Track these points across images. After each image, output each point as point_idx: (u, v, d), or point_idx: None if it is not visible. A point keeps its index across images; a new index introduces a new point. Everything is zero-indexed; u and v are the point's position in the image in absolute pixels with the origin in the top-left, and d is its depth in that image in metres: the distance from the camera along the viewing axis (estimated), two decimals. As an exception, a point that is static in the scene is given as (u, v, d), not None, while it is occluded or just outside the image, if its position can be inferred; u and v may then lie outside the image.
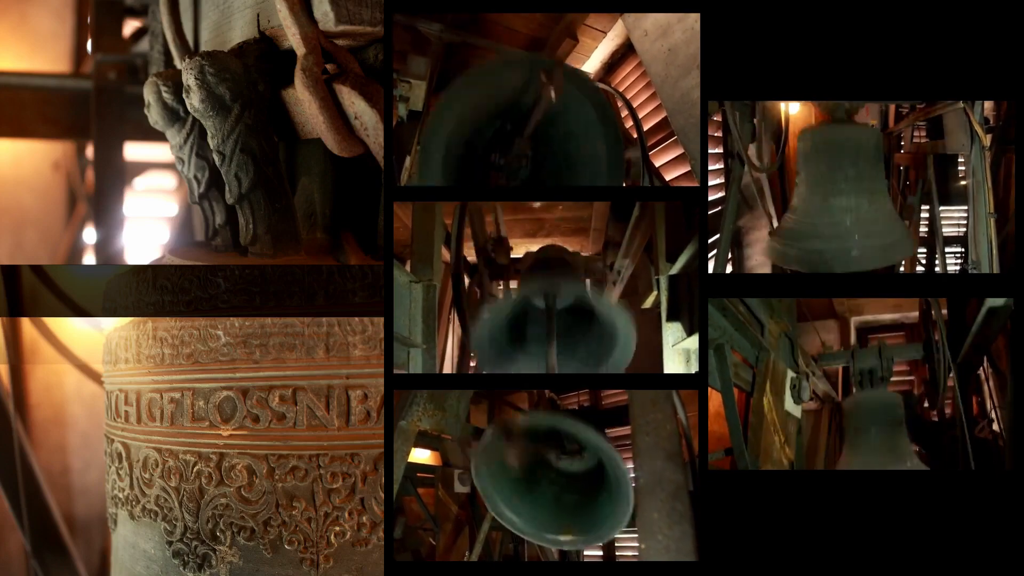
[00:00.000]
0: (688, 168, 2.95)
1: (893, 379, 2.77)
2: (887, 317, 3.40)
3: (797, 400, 2.69)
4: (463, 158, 2.25)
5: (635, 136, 2.70)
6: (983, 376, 2.71)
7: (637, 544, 2.12)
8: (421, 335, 2.43)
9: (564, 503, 2.30)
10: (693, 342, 2.46)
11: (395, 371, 2.14)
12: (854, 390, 2.76)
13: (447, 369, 3.51)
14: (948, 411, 2.67)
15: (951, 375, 2.75)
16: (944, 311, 2.73)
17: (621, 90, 3.01)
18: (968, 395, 2.49)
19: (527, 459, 2.30)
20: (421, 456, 3.03)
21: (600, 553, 3.35)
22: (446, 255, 2.65)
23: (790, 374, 2.68)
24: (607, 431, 2.66)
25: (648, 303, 2.84)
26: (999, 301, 2.21)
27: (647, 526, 2.07)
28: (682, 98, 2.37)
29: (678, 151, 3.07)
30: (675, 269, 2.51)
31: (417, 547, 3.04)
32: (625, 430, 2.59)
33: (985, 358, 2.60)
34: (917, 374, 3.20)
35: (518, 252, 3.21)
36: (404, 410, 2.36)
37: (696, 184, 2.27)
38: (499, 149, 2.28)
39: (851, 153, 2.42)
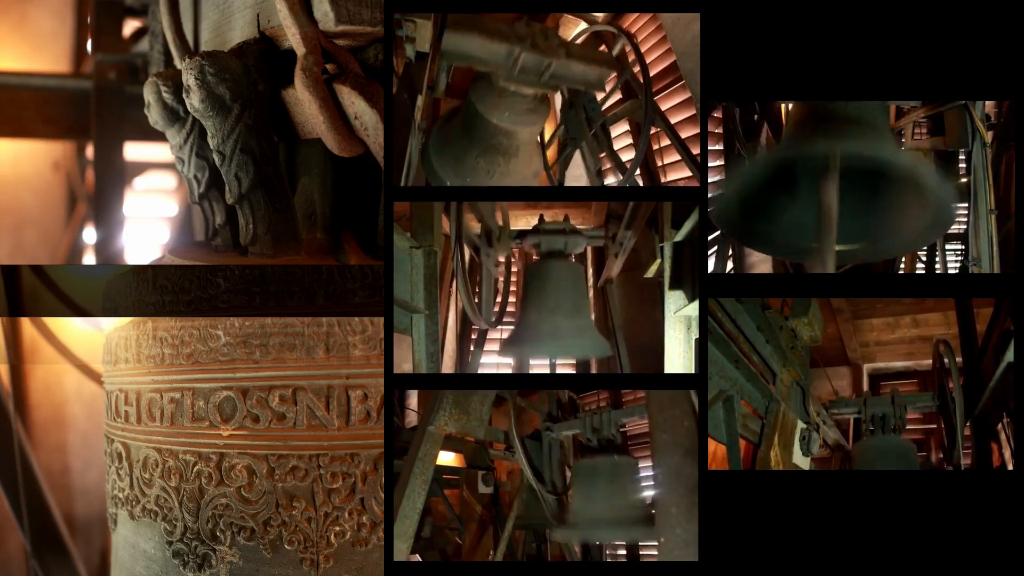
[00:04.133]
0: (694, 111, 2.91)
1: (907, 428, 2.72)
2: (900, 364, 3.39)
3: (806, 452, 2.66)
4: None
5: (641, 80, 2.66)
6: (1002, 428, 2.67)
7: (656, 538, 2.13)
8: (423, 301, 2.44)
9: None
10: (694, 309, 2.46)
11: (397, 358, 2.15)
12: (865, 438, 2.71)
13: (450, 337, 3.53)
14: (965, 463, 2.63)
15: (967, 425, 2.68)
16: (959, 359, 2.68)
17: (631, 33, 2.97)
18: (987, 447, 2.45)
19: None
20: (446, 458, 3.09)
21: (624, 552, 3.40)
22: (446, 225, 2.65)
23: (800, 425, 2.65)
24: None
25: (651, 272, 2.84)
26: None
27: (666, 520, 2.08)
28: (692, 41, 2.31)
29: (685, 95, 3.04)
30: (680, 236, 2.50)
31: (444, 546, 3.11)
32: (646, 424, 2.59)
33: (1004, 413, 2.56)
34: (931, 425, 3.15)
35: (517, 224, 3.21)
36: (431, 415, 2.41)
37: (696, 169, 2.25)
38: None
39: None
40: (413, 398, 3.35)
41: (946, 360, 2.66)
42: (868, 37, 2.08)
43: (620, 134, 3.36)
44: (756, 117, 2.75)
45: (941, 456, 2.89)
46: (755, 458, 2.45)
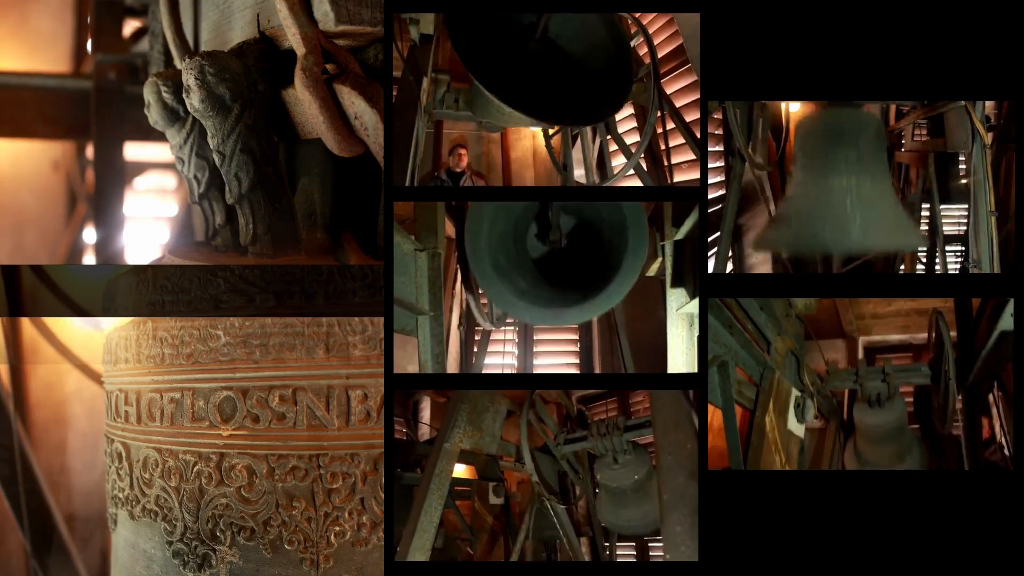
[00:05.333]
0: (699, 95, 2.91)
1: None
2: (895, 338, 3.36)
3: (800, 419, 2.67)
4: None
5: (648, 62, 2.66)
6: (993, 401, 2.66)
7: (662, 555, 2.18)
8: (428, 302, 2.45)
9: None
10: (695, 306, 2.47)
11: (402, 359, 2.16)
12: (862, 407, 2.71)
13: (453, 338, 3.54)
14: (956, 434, 2.63)
15: (959, 398, 2.68)
16: (953, 333, 2.68)
17: (636, 15, 2.97)
18: (977, 419, 2.44)
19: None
20: (457, 470, 3.12)
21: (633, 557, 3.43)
22: (449, 228, 2.66)
23: (794, 393, 2.66)
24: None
25: (652, 270, 2.85)
26: (1011, 325, 2.17)
27: (672, 538, 2.15)
28: (700, 24, 2.33)
29: (692, 79, 3.02)
30: (680, 234, 2.51)
31: (455, 556, 3.16)
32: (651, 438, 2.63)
33: (995, 383, 2.55)
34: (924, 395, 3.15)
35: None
36: (447, 432, 2.45)
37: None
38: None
39: (852, 133, 2.27)
40: (426, 412, 3.38)
41: (941, 332, 2.66)
42: (868, 37, 2.08)
43: (624, 117, 3.36)
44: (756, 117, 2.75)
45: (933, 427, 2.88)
46: (750, 425, 2.46)
